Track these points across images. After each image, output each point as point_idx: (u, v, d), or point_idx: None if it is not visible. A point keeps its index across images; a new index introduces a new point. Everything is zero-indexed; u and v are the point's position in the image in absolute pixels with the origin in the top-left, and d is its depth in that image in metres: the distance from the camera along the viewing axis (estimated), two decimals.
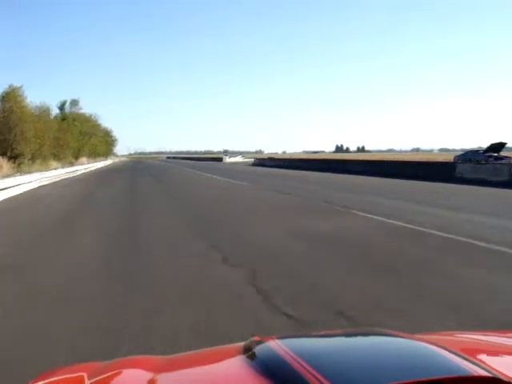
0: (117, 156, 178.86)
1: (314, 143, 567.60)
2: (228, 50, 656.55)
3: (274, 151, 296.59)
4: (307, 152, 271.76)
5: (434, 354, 0.99)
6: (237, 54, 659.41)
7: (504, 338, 1.36)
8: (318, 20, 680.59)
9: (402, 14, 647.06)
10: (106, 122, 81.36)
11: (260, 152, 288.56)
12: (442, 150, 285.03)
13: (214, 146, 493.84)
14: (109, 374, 1.17)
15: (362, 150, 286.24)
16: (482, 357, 1.03)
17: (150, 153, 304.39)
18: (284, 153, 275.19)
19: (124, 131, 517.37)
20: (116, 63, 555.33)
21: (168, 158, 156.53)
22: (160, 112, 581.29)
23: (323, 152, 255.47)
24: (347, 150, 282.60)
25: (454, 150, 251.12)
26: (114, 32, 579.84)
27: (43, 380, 1.20)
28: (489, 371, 0.89)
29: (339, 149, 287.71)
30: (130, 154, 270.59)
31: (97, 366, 1.26)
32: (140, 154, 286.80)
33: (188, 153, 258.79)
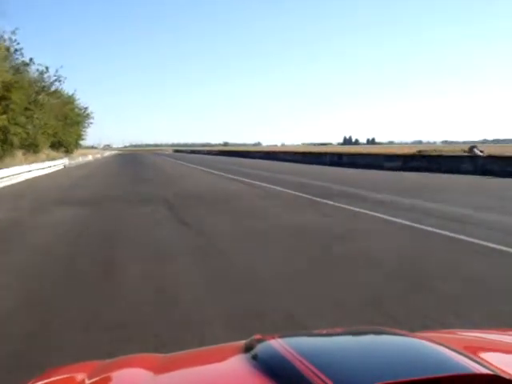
0: (108, 148, 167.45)
1: (314, 135, 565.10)
2: (229, 41, 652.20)
3: (272, 143, 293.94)
4: (315, 144, 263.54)
5: (435, 352, 1.00)
6: (238, 44, 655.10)
7: (504, 336, 1.39)
8: (321, 8, 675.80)
9: (402, 3, 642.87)
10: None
11: (258, 144, 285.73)
12: (444, 142, 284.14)
13: (212, 138, 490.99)
14: (109, 373, 1.18)
15: (372, 142, 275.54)
16: (483, 355, 1.04)
17: (147, 145, 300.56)
18: (283, 145, 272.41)
19: (119, 123, 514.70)
20: (112, 53, 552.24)
21: (177, 151, 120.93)
22: (156, 105, 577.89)
23: (330, 144, 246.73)
24: (356, 142, 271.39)
25: (456, 143, 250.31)
26: (115, 22, 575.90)
27: (43, 379, 1.21)
28: (490, 369, 0.91)
29: (347, 141, 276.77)
30: (125, 147, 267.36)
31: (97, 365, 1.27)
32: (135, 146, 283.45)
33: (185, 145, 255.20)
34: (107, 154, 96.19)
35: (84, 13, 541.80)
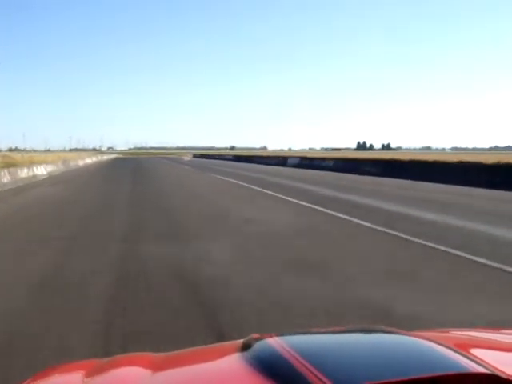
0: (105, 152, 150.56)
1: (322, 139, 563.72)
2: (236, 42, 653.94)
3: (278, 148, 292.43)
4: (327, 149, 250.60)
5: (433, 351, 1.02)
6: (245, 45, 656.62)
7: (501, 335, 1.41)
8: (332, 8, 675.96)
9: (411, 6, 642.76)
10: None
11: (264, 149, 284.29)
12: (453, 148, 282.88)
13: (218, 141, 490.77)
14: (107, 371, 1.19)
15: (387, 147, 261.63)
16: (480, 354, 1.05)
17: (152, 148, 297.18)
18: (290, 150, 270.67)
19: (123, 125, 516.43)
20: (117, 53, 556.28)
21: (201, 157, 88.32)
22: (161, 108, 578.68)
23: (342, 150, 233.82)
24: (371, 148, 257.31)
25: (466, 149, 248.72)
26: (117, 21, 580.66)
27: (41, 378, 1.22)
28: (487, 368, 0.92)
29: (361, 146, 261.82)
30: (130, 149, 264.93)
31: (95, 363, 1.28)
32: (139, 148, 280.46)
33: (191, 148, 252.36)
34: (89, 161, 51.17)
35: (86, 11, 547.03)
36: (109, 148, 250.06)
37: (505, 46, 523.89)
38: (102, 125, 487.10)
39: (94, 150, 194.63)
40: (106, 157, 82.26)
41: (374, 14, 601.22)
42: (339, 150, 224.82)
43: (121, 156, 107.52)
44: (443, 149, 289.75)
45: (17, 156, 37.49)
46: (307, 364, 0.93)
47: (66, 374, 1.28)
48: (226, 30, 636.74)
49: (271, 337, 1.14)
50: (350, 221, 9.70)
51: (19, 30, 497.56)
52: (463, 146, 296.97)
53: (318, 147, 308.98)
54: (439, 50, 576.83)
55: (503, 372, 0.92)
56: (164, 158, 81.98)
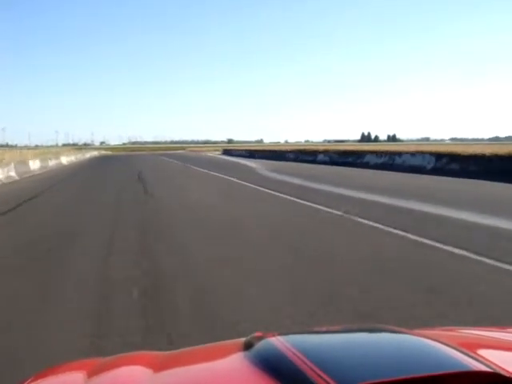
0: (105, 146, 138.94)
1: (319, 131, 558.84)
2: (231, 34, 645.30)
3: (275, 140, 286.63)
4: (329, 141, 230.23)
5: (435, 350, 1.03)
6: (241, 38, 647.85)
7: (504, 334, 1.42)
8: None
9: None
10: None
11: (260, 142, 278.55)
12: (452, 139, 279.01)
13: (213, 135, 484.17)
14: (108, 371, 1.21)
15: (393, 138, 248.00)
16: (483, 352, 1.07)
17: (147, 142, 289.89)
18: (286, 142, 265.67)
19: (117, 119, 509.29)
20: (113, 44, 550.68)
21: (236, 154, 56.09)
22: (155, 99, 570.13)
23: (344, 141, 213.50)
24: (376, 139, 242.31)
25: (465, 140, 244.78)
26: (114, 16, 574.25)
27: (42, 378, 1.24)
28: (489, 366, 0.92)
29: (365, 138, 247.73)
30: (124, 144, 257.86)
31: (96, 362, 1.30)
32: (135, 143, 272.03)
33: (185, 142, 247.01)
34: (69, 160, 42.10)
35: (85, 7, 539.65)
36: (102, 143, 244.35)
37: (504, 35, 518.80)
38: (93, 119, 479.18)
39: (85, 145, 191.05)
40: (72, 158, 48.45)
41: (375, 6, 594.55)
42: (342, 141, 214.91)
43: (108, 153, 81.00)
44: (442, 140, 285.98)
45: None
46: (310, 363, 0.93)
47: (66, 374, 1.30)
48: (221, 22, 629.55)
49: (274, 336, 1.15)
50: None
51: (4, 25, 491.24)
52: (463, 136, 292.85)
53: (317, 139, 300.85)
54: (437, 40, 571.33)
55: (507, 371, 0.92)
56: (179, 157, 54.24)
